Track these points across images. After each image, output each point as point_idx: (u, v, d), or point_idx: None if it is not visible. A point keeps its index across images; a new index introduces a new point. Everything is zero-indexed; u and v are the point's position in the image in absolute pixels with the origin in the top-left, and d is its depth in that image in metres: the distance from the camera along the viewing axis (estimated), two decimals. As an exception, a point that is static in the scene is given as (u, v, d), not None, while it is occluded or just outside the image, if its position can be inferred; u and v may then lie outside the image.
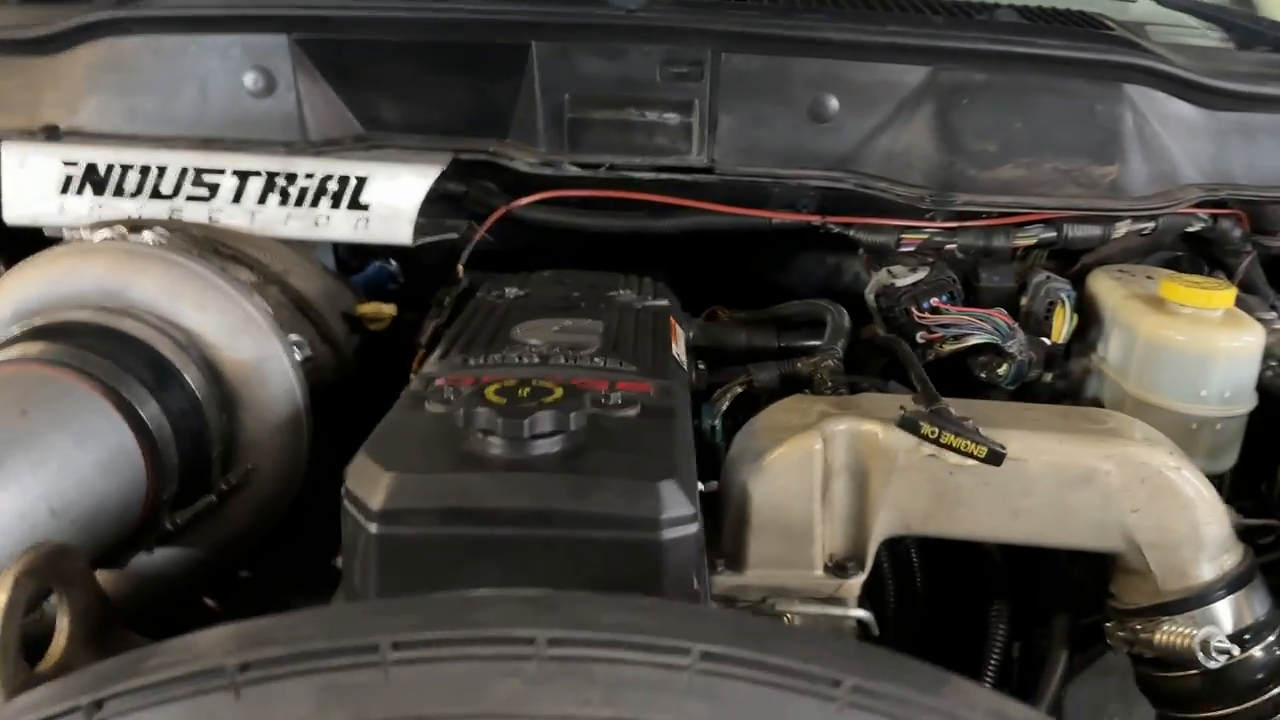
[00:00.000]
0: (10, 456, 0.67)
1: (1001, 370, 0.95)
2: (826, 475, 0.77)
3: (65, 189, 1.01)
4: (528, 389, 0.64)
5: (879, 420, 0.77)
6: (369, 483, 0.59)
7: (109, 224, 0.95)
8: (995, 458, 0.67)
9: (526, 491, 0.58)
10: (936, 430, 0.67)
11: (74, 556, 0.61)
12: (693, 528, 0.59)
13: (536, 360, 0.77)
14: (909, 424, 0.68)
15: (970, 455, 0.67)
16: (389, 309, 1.06)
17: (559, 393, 0.63)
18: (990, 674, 0.82)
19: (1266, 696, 0.77)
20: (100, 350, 0.78)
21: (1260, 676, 0.76)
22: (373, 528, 0.58)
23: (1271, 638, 0.76)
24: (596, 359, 0.78)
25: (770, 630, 0.44)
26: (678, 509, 0.58)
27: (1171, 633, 0.74)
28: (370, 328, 1.07)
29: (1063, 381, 0.98)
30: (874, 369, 1.06)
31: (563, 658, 0.42)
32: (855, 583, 0.77)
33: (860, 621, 0.76)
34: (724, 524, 0.78)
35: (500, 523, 0.58)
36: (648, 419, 0.68)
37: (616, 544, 0.58)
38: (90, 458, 0.72)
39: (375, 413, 0.99)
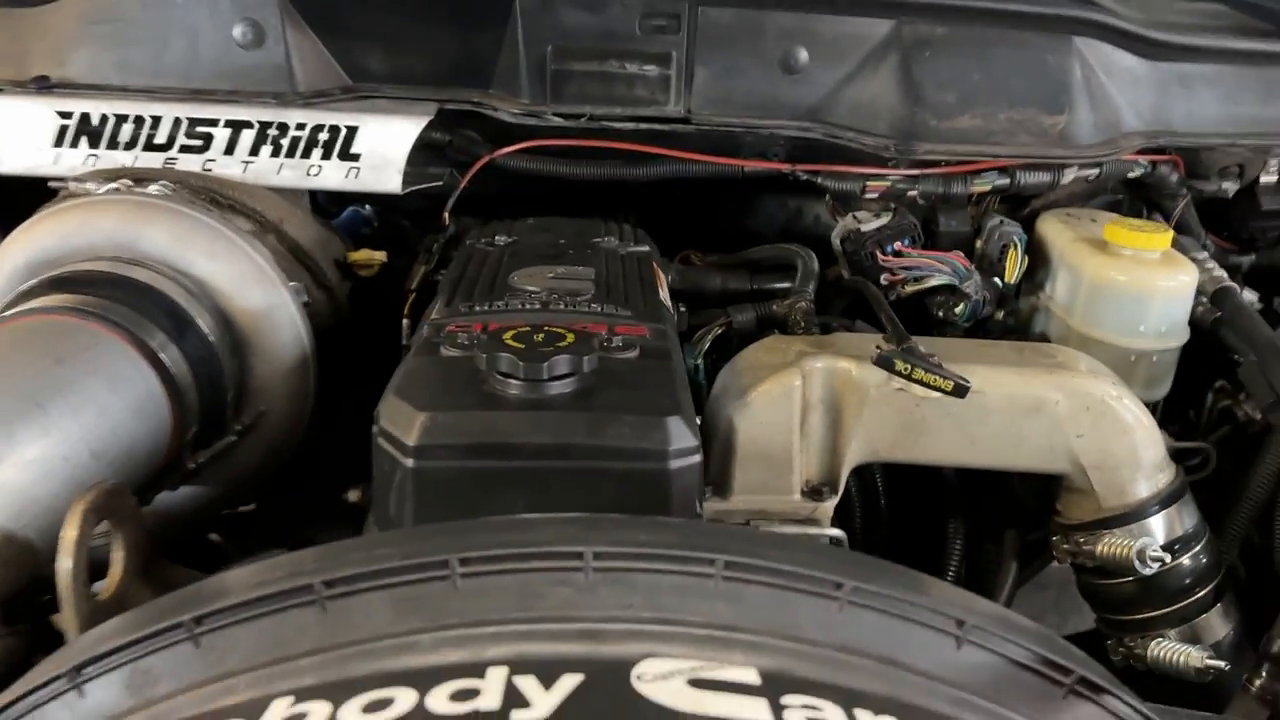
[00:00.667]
0: (51, 402, 0.72)
1: (958, 309, 1.03)
2: (804, 409, 0.84)
3: (60, 140, 1.03)
4: (542, 334, 0.70)
5: (852, 358, 0.84)
6: (402, 421, 0.65)
7: (114, 174, 0.98)
8: (960, 390, 0.74)
9: (548, 427, 0.65)
10: (909, 367, 0.74)
11: (126, 495, 0.67)
12: (696, 458, 0.66)
13: (538, 307, 0.83)
14: (884, 361, 0.76)
15: (938, 389, 0.74)
16: (379, 256, 1.11)
17: (571, 338, 0.69)
18: (948, 583, 0.91)
19: (1193, 599, 0.87)
20: (121, 299, 0.82)
21: (1188, 581, 0.86)
22: (409, 462, 0.64)
23: (1198, 547, 0.86)
24: (594, 304, 0.84)
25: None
26: (683, 441, 0.65)
27: (1111, 544, 0.83)
28: (360, 274, 1.12)
29: (1013, 319, 1.07)
30: (837, 309, 1.14)
31: (607, 569, 0.48)
32: (829, 505, 0.85)
33: (834, 539, 0.84)
34: (710, 454, 0.85)
35: (525, 456, 0.64)
36: (647, 359, 0.75)
37: (630, 473, 0.65)
38: (123, 402, 0.76)
39: (367, 354, 1.05)
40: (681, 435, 0.65)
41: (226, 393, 0.88)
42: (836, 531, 0.84)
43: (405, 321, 1.05)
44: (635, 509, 0.65)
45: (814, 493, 0.85)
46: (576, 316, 0.82)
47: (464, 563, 0.48)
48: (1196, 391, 1.07)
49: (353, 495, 0.84)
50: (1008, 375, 0.84)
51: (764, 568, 0.49)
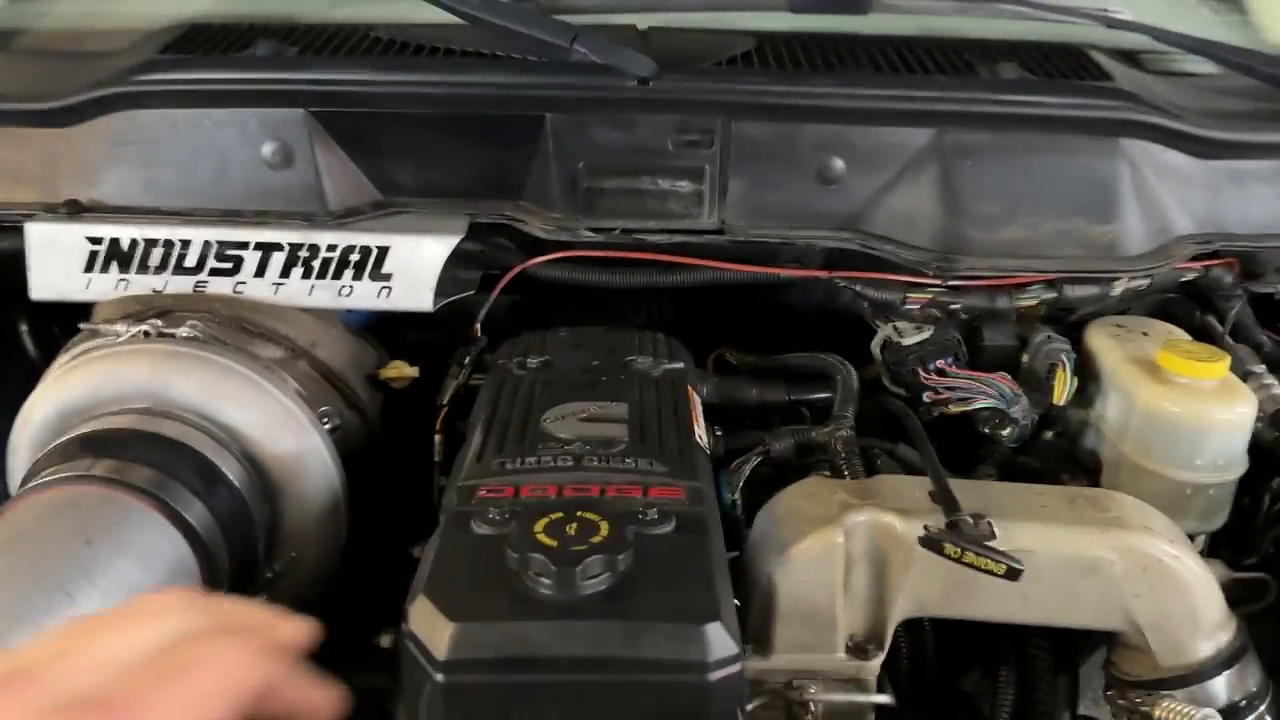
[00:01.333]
0: (80, 590, 0.71)
1: (1005, 432, 1.00)
2: (848, 565, 0.81)
3: (90, 266, 1.03)
4: (575, 525, 0.68)
5: (897, 512, 0.81)
6: (432, 631, 0.63)
7: (142, 309, 0.97)
8: (1014, 574, 0.71)
9: (582, 639, 0.62)
10: (959, 550, 0.72)
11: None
12: (737, 667, 0.64)
13: (570, 463, 0.81)
14: (932, 544, 0.73)
15: (989, 572, 0.72)
16: (411, 370, 1.10)
17: (605, 529, 0.67)
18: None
19: (1257, 762, 0.83)
20: (149, 460, 0.81)
21: (1252, 744, 0.83)
22: (439, 677, 0.62)
23: (1263, 707, 0.82)
24: (628, 459, 0.82)
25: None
26: (723, 650, 0.63)
27: (1171, 711, 0.80)
28: (393, 387, 1.10)
29: (1063, 439, 1.03)
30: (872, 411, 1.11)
31: None
32: (875, 663, 0.82)
33: (881, 707, 0.81)
34: (750, 608, 0.83)
35: (558, 670, 0.62)
36: (684, 535, 0.72)
37: (667, 687, 0.63)
38: (153, 578, 0.75)
39: (398, 473, 1.04)
40: (722, 644, 0.63)
41: (257, 543, 0.87)
42: (884, 698, 0.82)
43: (437, 438, 1.04)
44: (674, 720, 0.63)
45: (859, 650, 0.82)
46: (610, 475, 0.80)
47: None
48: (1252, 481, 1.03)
49: (385, 641, 0.82)
50: (1061, 533, 0.81)
51: None
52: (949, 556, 0.72)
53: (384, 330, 1.21)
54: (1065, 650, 0.95)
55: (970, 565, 0.71)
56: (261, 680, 0.44)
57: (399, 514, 0.99)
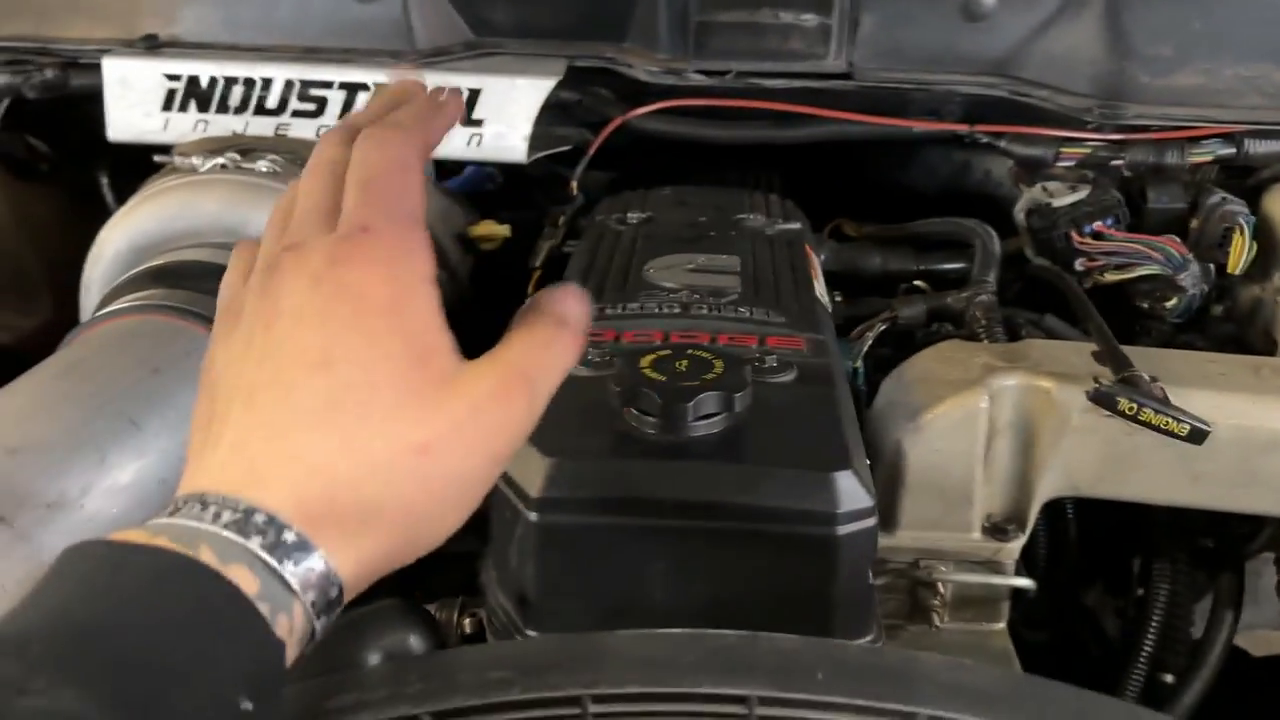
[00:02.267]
0: (147, 420, 0.65)
1: (1170, 304, 0.88)
2: (991, 433, 0.71)
3: (168, 105, 0.97)
4: (685, 361, 0.59)
5: (1052, 375, 0.71)
6: (524, 466, 0.56)
7: (220, 145, 0.91)
8: (1198, 435, 0.61)
9: (693, 481, 0.54)
10: (1134, 406, 0.61)
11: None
12: (870, 521, 0.55)
13: (677, 310, 0.72)
14: (1104, 399, 0.62)
15: (1170, 433, 0.61)
16: (502, 230, 1.02)
17: (719, 366, 0.58)
18: (1150, 640, 0.78)
19: None
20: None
21: None
22: (532, 516, 0.54)
23: None
24: (741, 308, 0.73)
25: (998, 688, 0.40)
26: (856, 502, 0.54)
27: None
28: (483, 248, 1.03)
29: (1229, 323, 0.90)
30: (1014, 290, 1.00)
31: (777, 718, 0.38)
32: (1015, 546, 0.72)
33: (1019, 590, 0.72)
34: (874, 479, 0.73)
35: (665, 514, 0.54)
36: (807, 385, 0.63)
37: (790, 538, 0.54)
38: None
39: (489, 338, 0.97)
40: (854, 495, 0.54)
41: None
42: (1025, 581, 0.72)
43: (530, 303, 0.97)
44: (795, 579, 0.55)
45: (997, 531, 0.72)
46: (722, 323, 0.71)
47: (599, 700, 0.39)
48: None
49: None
50: (1244, 402, 0.69)
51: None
52: (1122, 413, 0.61)
53: (475, 206, 1.14)
54: (1226, 553, 0.84)
55: (1147, 424, 0.61)
56: (422, 142, 0.47)
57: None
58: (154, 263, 0.79)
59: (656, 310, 0.73)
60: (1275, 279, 0.89)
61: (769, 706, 0.38)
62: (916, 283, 0.98)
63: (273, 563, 0.38)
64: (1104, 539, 0.88)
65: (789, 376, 0.64)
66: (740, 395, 0.56)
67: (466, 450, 0.42)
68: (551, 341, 0.45)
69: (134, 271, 0.79)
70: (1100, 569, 1.12)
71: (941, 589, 0.72)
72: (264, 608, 0.37)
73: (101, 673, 0.32)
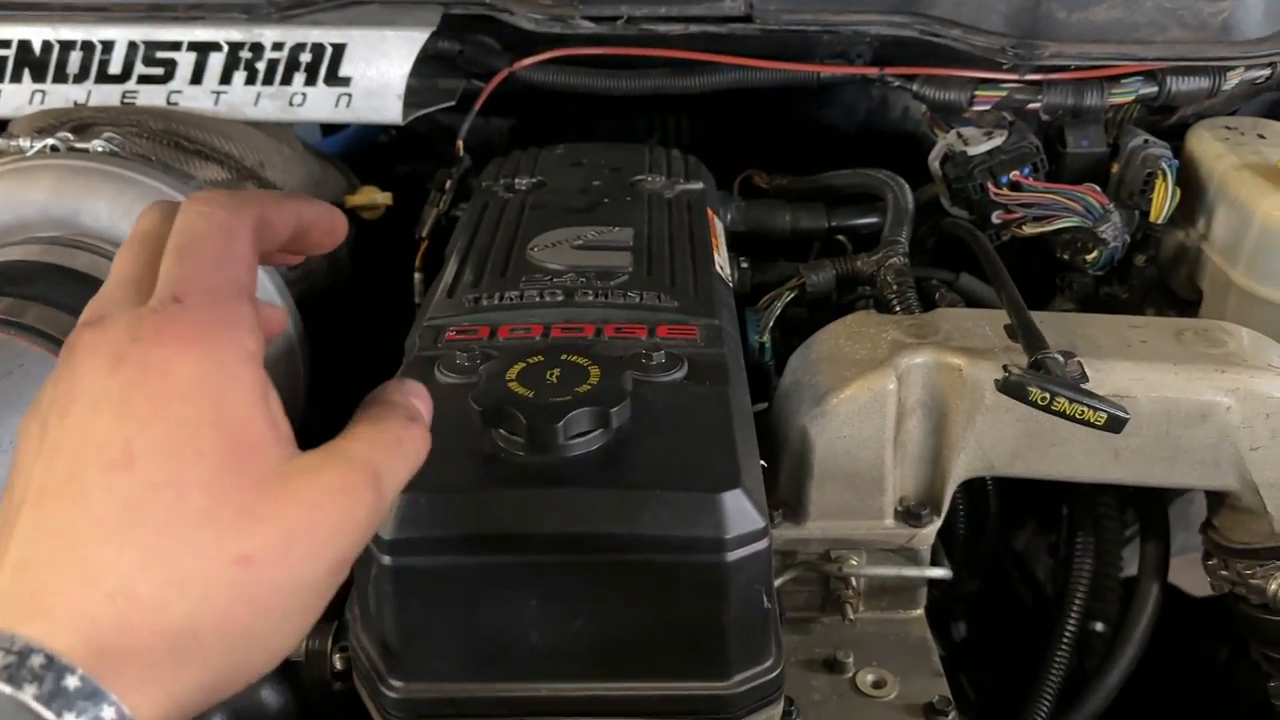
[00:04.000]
0: (-40, 452, 0.58)
1: (1091, 257, 0.83)
2: (900, 415, 0.67)
3: (0, 75, 0.87)
4: (557, 371, 0.53)
5: (963, 352, 0.66)
6: (376, 500, 0.49)
7: (54, 120, 0.81)
8: (1116, 424, 0.56)
9: (564, 513, 0.49)
10: (1047, 397, 0.56)
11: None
12: (763, 543, 0.50)
13: (560, 297, 0.66)
14: (1014, 389, 0.57)
15: (1087, 423, 0.57)
16: (383, 198, 0.94)
17: (595, 375, 0.53)
18: (1075, 613, 0.75)
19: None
20: (55, 300, 0.67)
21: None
22: (385, 559, 0.49)
23: (1398, 581, 0.68)
24: (631, 293, 0.66)
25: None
26: (746, 524, 0.49)
27: (1289, 584, 0.66)
28: (364, 217, 0.95)
29: (1152, 267, 0.86)
30: (930, 243, 0.95)
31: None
32: (929, 531, 0.68)
33: (936, 581, 0.68)
34: (780, 467, 0.69)
35: (536, 549, 0.49)
36: (698, 384, 0.58)
37: (677, 568, 0.49)
38: (55, 438, 0.62)
39: (373, 319, 0.89)
40: (744, 516, 0.49)
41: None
42: (940, 571, 0.68)
43: (417, 276, 0.90)
44: (683, 611, 0.50)
45: (910, 516, 0.68)
46: (609, 311, 0.65)
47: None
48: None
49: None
50: (1165, 374, 0.65)
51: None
52: (1034, 404, 0.57)
53: (365, 161, 1.06)
54: (1153, 509, 0.81)
55: (1060, 414, 0.56)
56: (255, 215, 0.42)
57: (375, 366, 0.86)
58: (-23, 262, 0.70)
59: (537, 299, 0.66)
60: (1200, 225, 0.85)
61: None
62: (839, 237, 0.92)
63: (49, 717, 0.31)
64: (1031, 481, 0.85)
65: (678, 374, 0.58)
66: (618, 410, 0.51)
67: (302, 558, 0.36)
68: (402, 438, 0.41)
69: (-48, 275, 0.70)
70: (1030, 509, 1.10)
71: (854, 582, 0.68)
72: None
73: None
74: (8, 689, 0.31)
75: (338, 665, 0.59)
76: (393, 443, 0.40)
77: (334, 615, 0.61)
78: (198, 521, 0.35)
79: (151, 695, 0.33)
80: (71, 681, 0.32)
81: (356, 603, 0.54)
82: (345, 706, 0.57)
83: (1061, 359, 0.59)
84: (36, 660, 0.32)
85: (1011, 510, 0.92)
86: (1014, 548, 1.14)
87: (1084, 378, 0.60)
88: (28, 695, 0.31)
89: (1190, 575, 1.05)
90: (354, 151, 1.11)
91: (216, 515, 0.35)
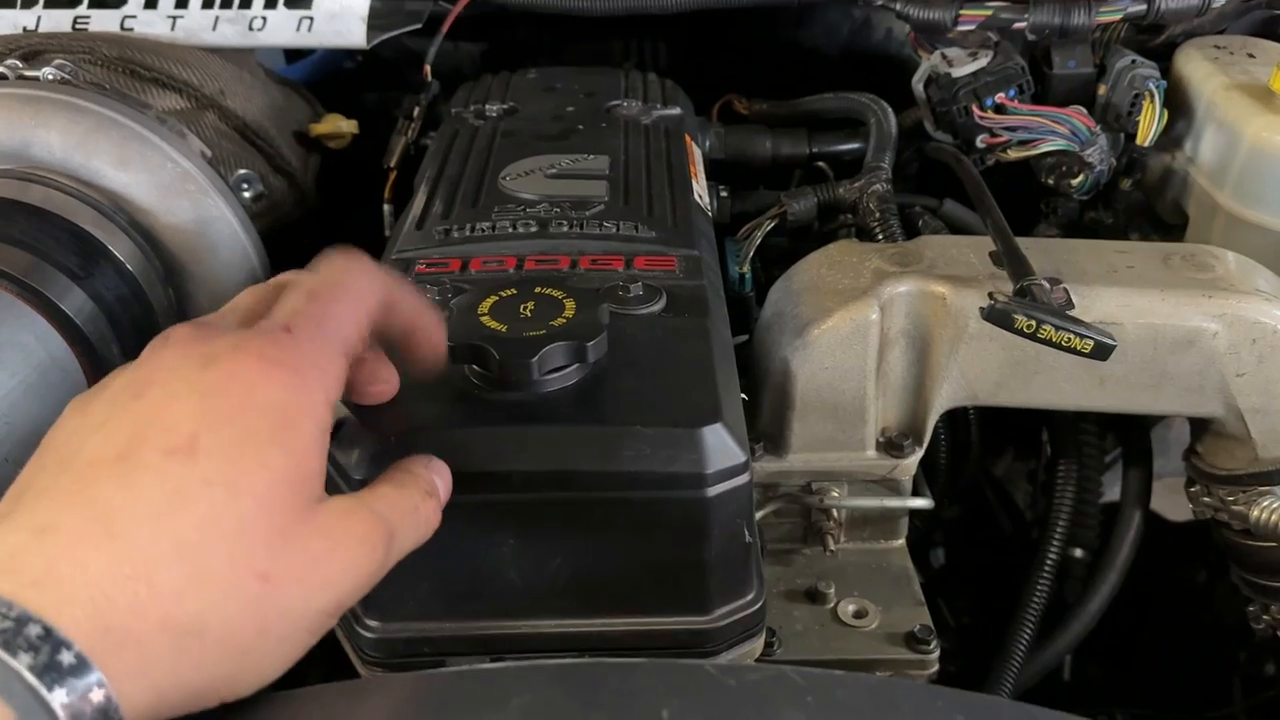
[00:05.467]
0: (-87, 397, 0.56)
1: (1076, 181, 0.81)
2: (883, 346, 0.66)
3: (-63, 0, 0.83)
4: (531, 304, 0.51)
5: (947, 279, 0.65)
6: (346, 440, 0.48)
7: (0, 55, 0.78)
8: (1103, 350, 0.55)
9: (540, 450, 0.47)
10: (1033, 324, 0.55)
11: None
12: (744, 478, 0.49)
13: (534, 228, 0.64)
14: (999, 317, 0.56)
15: (1073, 350, 0.55)
16: (349, 126, 0.91)
17: (570, 308, 0.51)
18: (1057, 541, 0.75)
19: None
20: (8, 235, 0.65)
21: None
22: (358, 500, 0.47)
23: (1380, 505, 0.68)
24: (607, 223, 0.64)
25: (871, 706, 0.34)
26: (727, 459, 0.48)
27: (1272, 510, 0.66)
28: (330, 146, 0.92)
29: (1138, 191, 0.85)
30: (914, 168, 0.93)
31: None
32: (911, 462, 0.68)
33: (918, 511, 0.68)
34: (761, 400, 0.68)
35: (512, 488, 0.47)
36: (676, 316, 0.56)
37: (656, 505, 0.48)
38: (15, 379, 0.60)
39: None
40: (725, 451, 0.48)
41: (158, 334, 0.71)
42: (921, 502, 0.68)
43: (387, 208, 0.87)
44: (662, 549, 0.49)
45: (892, 446, 0.68)
46: (584, 242, 0.63)
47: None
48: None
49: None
50: (1152, 299, 0.64)
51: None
52: (1020, 332, 0.56)
53: (331, 90, 1.02)
54: (1134, 438, 0.81)
55: (1046, 342, 0.55)
56: (386, 291, 0.44)
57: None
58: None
59: (510, 229, 0.64)
60: (1187, 147, 0.84)
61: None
62: (819, 164, 0.90)
63: (40, 690, 0.31)
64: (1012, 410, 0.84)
65: (656, 306, 0.56)
66: (594, 344, 0.49)
67: (312, 589, 0.37)
68: (419, 508, 0.43)
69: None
70: (1009, 436, 1.10)
71: (836, 514, 0.67)
72: None
73: None
74: (3, 655, 0.31)
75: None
76: (410, 510, 0.42)
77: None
78: (237, 528, 0.35)
79: (141, 685, 0.33)
80: (66, 657, 0.31)
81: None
82: (321, 649, 0.56)
83: (1047, 286, 0.58)
84: (33, 630, 0.31)
85: (992, 437, 0.91)
86: (993, 474, 1.14)
87: (1070, 304, 0.59)
88: (22, 664, 0.31)
89: (1167, 500, 1.06)
90: (319, 80, 1.08)
91: (255, 528, 0.36)
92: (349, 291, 0.42)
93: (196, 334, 0.39)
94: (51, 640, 0.31)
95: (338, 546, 0.38)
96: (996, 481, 1.14)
